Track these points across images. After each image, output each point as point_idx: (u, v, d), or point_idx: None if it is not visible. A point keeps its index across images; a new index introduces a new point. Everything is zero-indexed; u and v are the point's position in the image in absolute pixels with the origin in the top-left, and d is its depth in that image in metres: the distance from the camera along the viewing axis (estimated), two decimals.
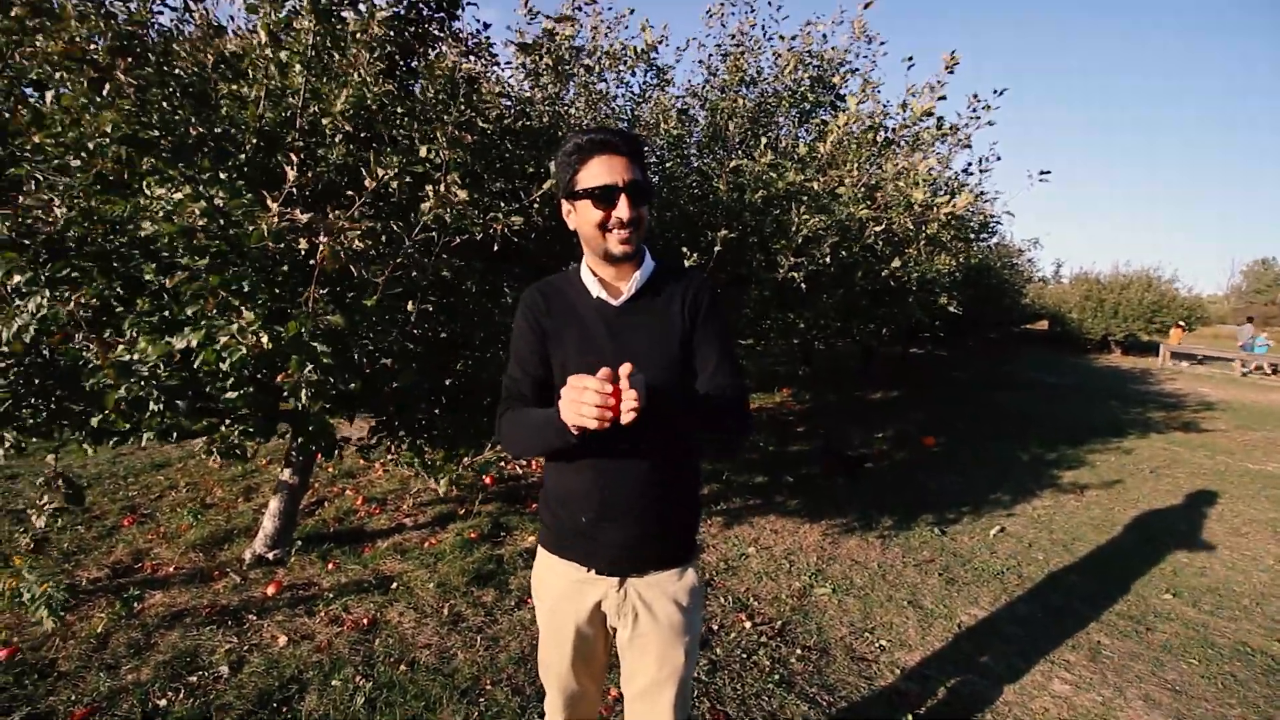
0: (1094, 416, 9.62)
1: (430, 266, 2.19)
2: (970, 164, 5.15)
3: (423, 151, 2.26)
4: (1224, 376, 16.72)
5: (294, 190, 1.94)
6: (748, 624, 3.14)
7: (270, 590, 3.06)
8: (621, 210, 1.30)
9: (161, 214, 1.70)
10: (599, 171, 1.30)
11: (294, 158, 1.73)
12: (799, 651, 2.96)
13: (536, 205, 2.67)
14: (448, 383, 2.77)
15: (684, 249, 3.24)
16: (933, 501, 5.22)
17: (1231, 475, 6.66)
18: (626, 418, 1.12)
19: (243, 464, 2.04)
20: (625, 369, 1.13)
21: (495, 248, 2.63)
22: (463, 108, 2.47)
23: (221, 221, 1.70)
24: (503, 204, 2.58)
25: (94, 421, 2.16)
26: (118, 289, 1.92)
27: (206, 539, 3.65)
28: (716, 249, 3.07)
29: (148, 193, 2.01)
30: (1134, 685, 2.89)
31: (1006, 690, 2.81)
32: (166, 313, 2.04)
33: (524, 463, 5.13)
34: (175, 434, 2.21)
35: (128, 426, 2.09)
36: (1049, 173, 4.06)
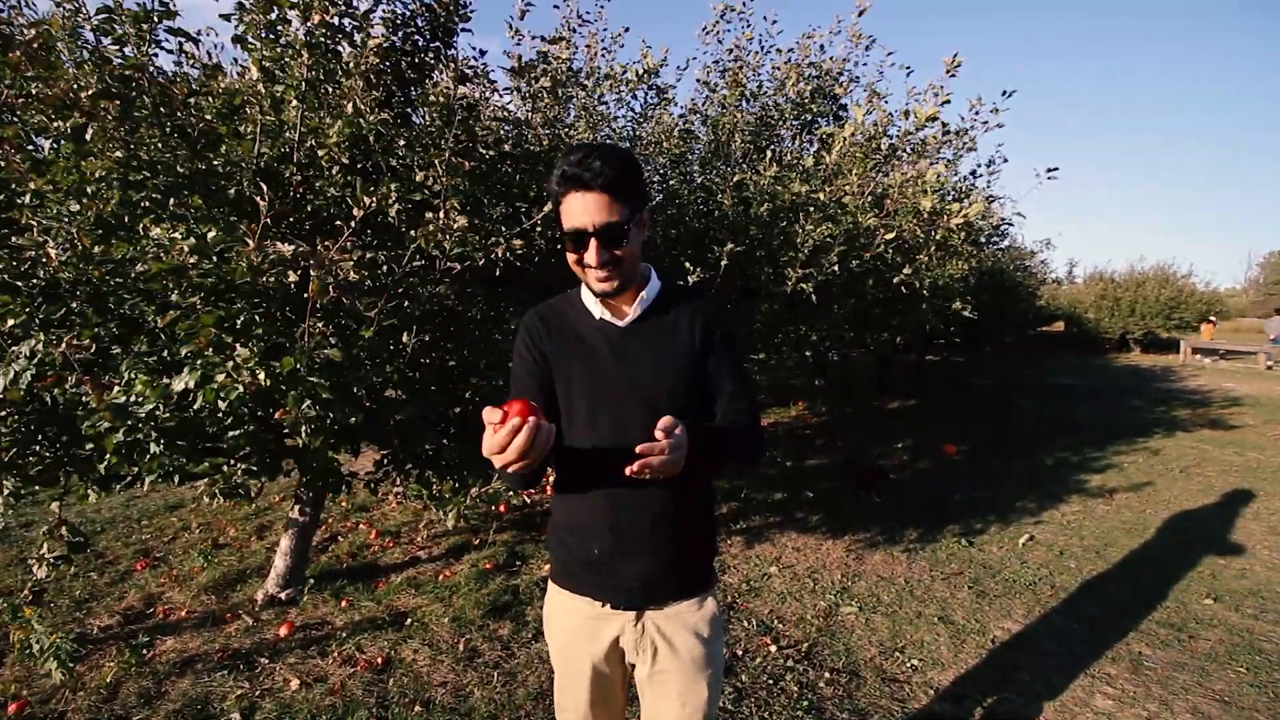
0: (1118, 417, 9.42)
1: (426, 295, 2.15)
2: (977, 167, 5.10)
3: (419, 177, 2.23)
4: (1248, 371, 16.38)
5: (271, 222, 1.91)
6: (773, 648, 3.03)
7: (283, 631, 3.00)
8: (590, 256, 1.25)
9: (152, 253, 1.67)
10: (573, 210, 1.24)
11: (264, 186, 1.70)
12: (827, 675, 2.85)
13: (539, 229, 2.64)
14: (455, 411, 2.72)
15: (690, 265, 3.19)
16: (958, 512, 5.09)
17: (1264, 471, 6.46)
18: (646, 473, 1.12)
19: (248, 504, 2.00)
20: (661, 430, 1.12)
21: (497, 273, 2.59)
22: (460, 134, 2.45)
23: (213, 257, 1.68)
24: (504, 228, 2.55)
25: (100, 467, 2.13)
26: (114, 330, 1.90)
27: (219, 580, 3.60)
28: (724, 263, 3.02)
29: (146, 234, 2.00)
30: (1180, 698, 2.75)
31: (1046, 708, 2.68)
32: (165, 353, 2.01)
33: (536, 489, 5.06)
34: (178, 477, 2.17)
35: (133, 471, 2.06)
36: (1056, 169, 4.00)
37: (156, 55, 2.54)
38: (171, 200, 1.83)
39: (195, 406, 1.84)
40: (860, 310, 4.41)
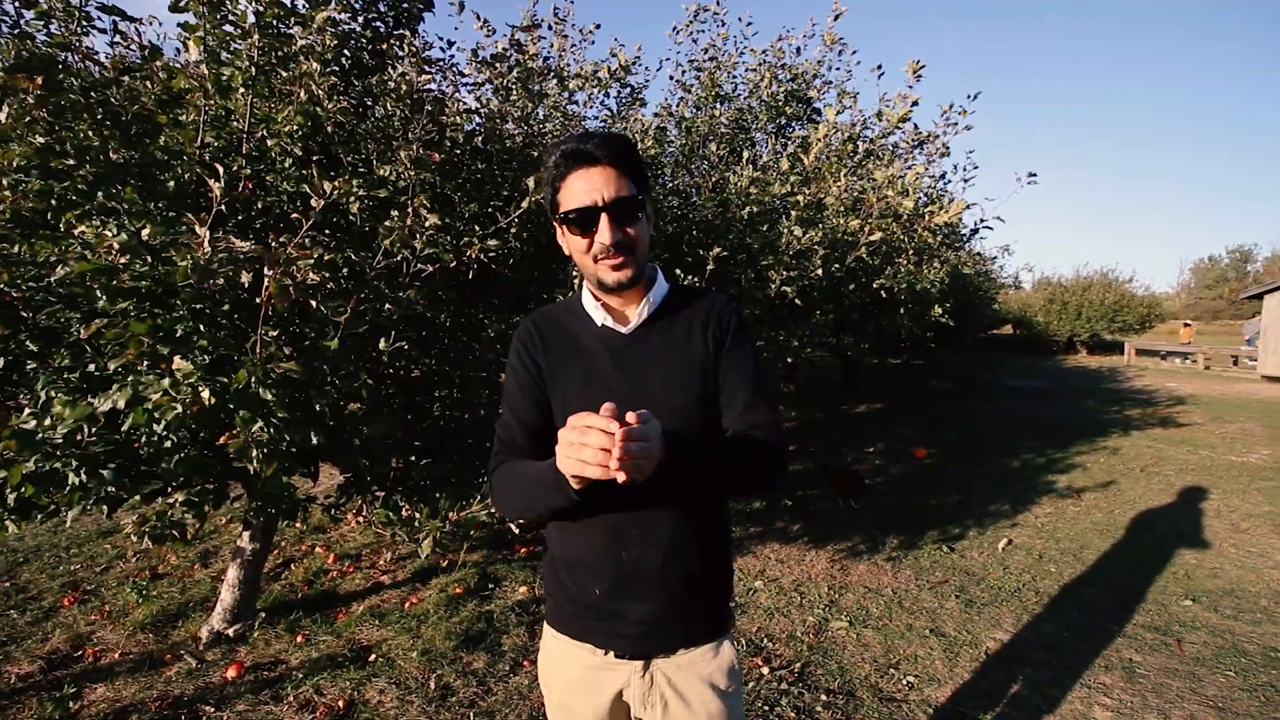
0: (1076, 418, 9.66)
1: (404, 300, 1.94)
2: (946, 172, 5.11)
3: (384, 171, 2.02)
4: (1188, 370, 17.16)
5: (225, 214, 1.68)
6: (765, 669, 2.89)
7: (230, 673, 2.71)
8: (603, 234, 1.09)
9: (76, 253, 1.43)
10: (577, 190, 1.10)
11: (219, 169, 1.47)
12: (823, 697, 2.72)
13: (514, 229, 2.45)
14: (424, 426, 2.50)
15: (677, 270, 3.04)
16: (935, 517, 5.06)
17: (1217, 469, 6.65)
18: (623, 475, 0.88)
19: (183, 545, 1.74)
20: (632, 417, 0.90)
21: (470, 275, 2.39)
22: (428, 126, 2.25)
23: (149, 257, 1.45)
24: (477, 228, 2.35)
25: (10, 499, 1.86)
26: (28, 343, 1.64)
27: (158, 616, 3.27)
28: (709, 267, 2.88)
29: (70, 231, 1.75)
30: (1177, 706, 2.71)
31: None
32: (91, 367, 1.76)
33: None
34: (107, 507, 1.90)
35: (49, 503, 1.79)
36: (1035, 174, 3.99)
37: (88, 34, 2.28)
38: (100, 192, 1.58)
39: (125, 428, 1.60)
40: (838, 315, 4.34)
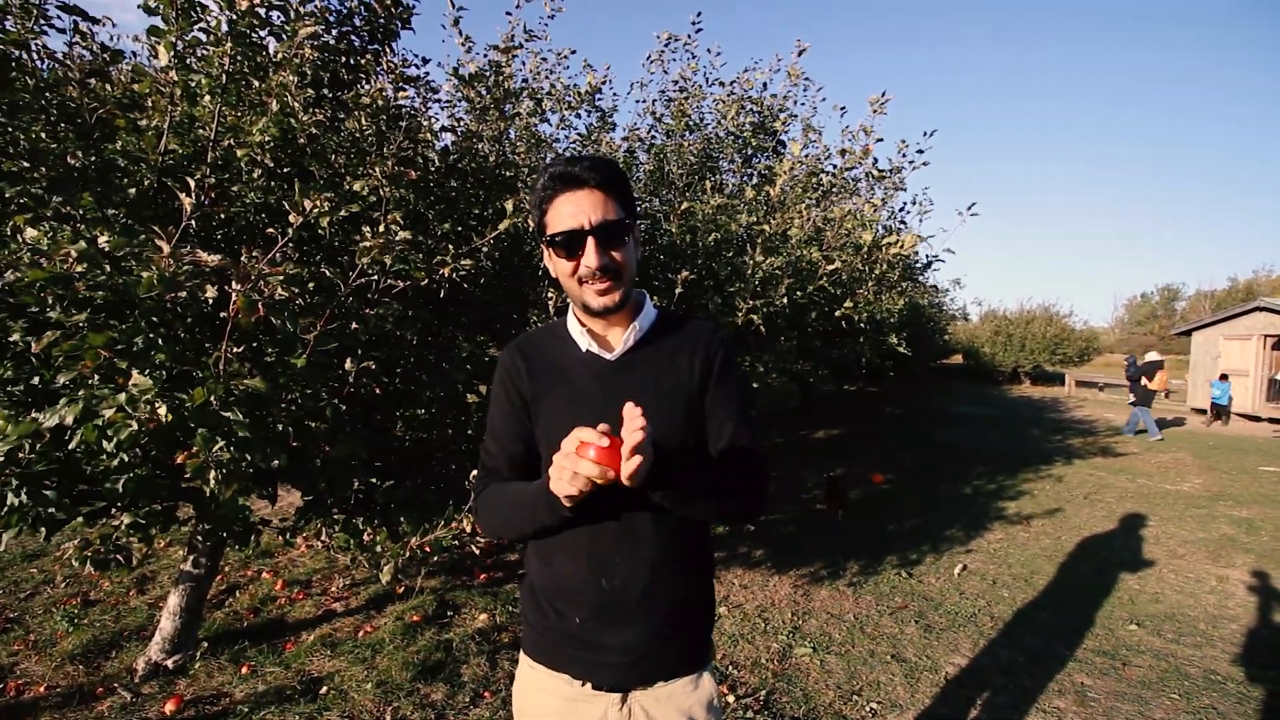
0: (1022, 446, 10.01)
1: (374, 318, 1.90)
2: (905, 205, 5.31)
3: (357, 186, 1.98)
4: (1123, 402, 17.99)
5: (193, 227, 1.62)
6: (730, 698, 2.87)
7: (169, 708, 2.54)
8: (589, 258, 1.10)
9: (28, 259, 1.35)
10: (564, 213, 1.10)
11: (191, 182, 1.42)
12: None
13: (487, 249, 2.43)
14: (389, 447, 2.42)
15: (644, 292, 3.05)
16: (893, 542, 5.15)
17: (1154, 497, 6.96)
18: (629, 470, 0.92)
19: (126, 571, 1.64)
20: (630, 410, 0.94)
21: (441, 295, 2.36)
22: (403, 142, 2.22)
23: (107, 267, 1.38)
24: (450, 246, 2.32)
25: None
26: None
27: (89, 647, 3.05)
28: (678, 291, 2.91)
29: (18, 237, 1.65)
30: None
31: None
32: (35, 380, 1.66)
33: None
34: (46, 529, 1.78)
35: None
36: (974, 205, 4.16)
37: (46, 34, 2.20)
38: (55, 198, 1.50)
39: (71, 446, 1.51)
40: (801, 342, 4.42)
